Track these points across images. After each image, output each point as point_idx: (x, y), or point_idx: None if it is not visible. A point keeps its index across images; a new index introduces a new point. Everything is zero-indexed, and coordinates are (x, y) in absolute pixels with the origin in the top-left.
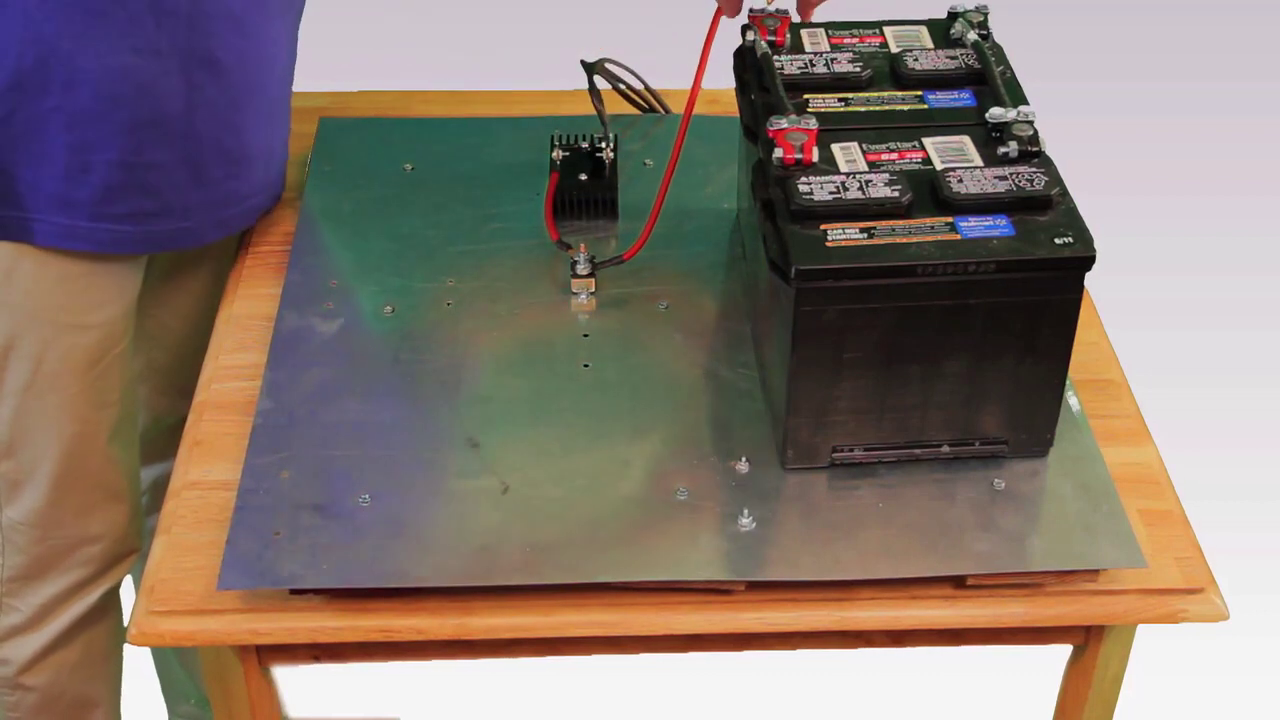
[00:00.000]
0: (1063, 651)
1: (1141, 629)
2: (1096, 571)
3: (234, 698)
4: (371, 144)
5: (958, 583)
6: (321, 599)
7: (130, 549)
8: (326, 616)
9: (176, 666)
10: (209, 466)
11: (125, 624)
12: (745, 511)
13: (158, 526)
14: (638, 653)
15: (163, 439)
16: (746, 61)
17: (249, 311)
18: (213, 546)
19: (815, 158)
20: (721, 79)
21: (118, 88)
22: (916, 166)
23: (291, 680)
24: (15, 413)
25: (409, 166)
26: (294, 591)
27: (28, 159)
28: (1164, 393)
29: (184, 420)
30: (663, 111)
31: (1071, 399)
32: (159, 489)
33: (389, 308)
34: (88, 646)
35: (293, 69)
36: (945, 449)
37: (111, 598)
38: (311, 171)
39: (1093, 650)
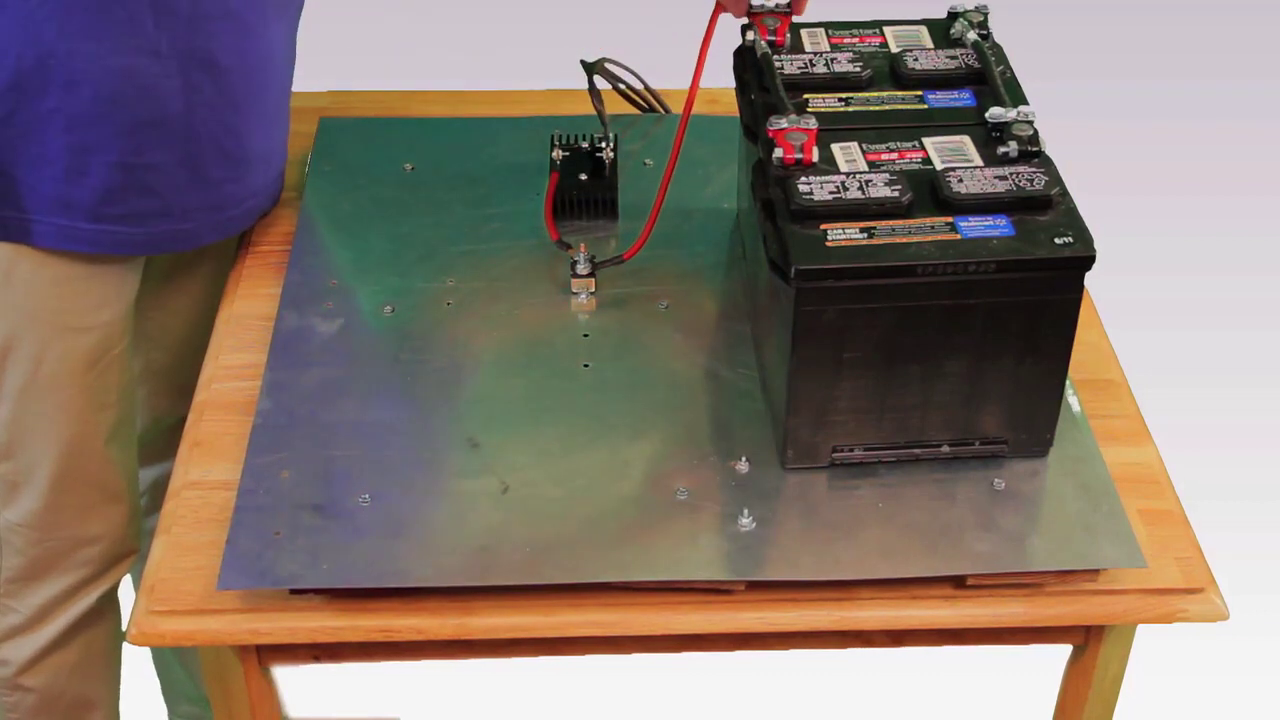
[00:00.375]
0: (1062, 651)
1: (1141, 629)
2: (1096, 571)
3: (234, 698)
4: (371, 144)
5: (958, 583)
6: (321, 599)
7: (129, 550)
8: (326, 616)
9: (176, 666)
10: (209, 466)
11: (124, 624)
12: (745, 511)
13: (158, 526)
14: (637, 652)
15: (162, 439)
16: (746, 61)
17: (249, 311)
18: (213, 546)
19: (815, 158)
20: (721, 78)
21: (117, 89)
22: (916, 166)
23: (292, 680)
24: (13, 414)
25: (409, 166)
26: (294, 591)
27: (27, 160)
28: (1164, 393)
29: (184, 420)
30: (662, 111)
31: (1071, 399)
32: (159, 489)
33: (389, 308)
34: (87, 647)
35: (292, 71)
36: (945, 449)
37: (110, 599)
38: (311, 171)
39: (1093, 650)
